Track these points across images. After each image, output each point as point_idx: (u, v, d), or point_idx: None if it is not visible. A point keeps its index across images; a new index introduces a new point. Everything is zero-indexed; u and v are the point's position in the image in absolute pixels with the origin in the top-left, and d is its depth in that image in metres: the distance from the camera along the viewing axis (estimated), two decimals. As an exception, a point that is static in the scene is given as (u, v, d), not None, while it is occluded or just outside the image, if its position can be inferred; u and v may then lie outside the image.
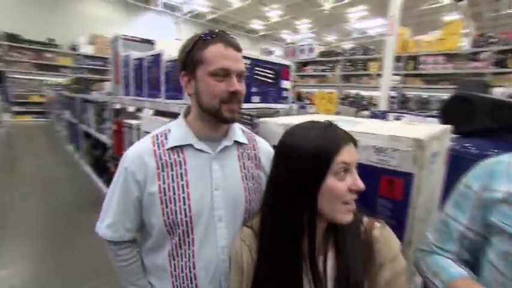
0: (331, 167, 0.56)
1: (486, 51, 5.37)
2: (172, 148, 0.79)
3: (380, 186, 0.86)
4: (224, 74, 0.73)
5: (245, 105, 1.57)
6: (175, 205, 0.76)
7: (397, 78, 6.73)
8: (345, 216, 0.59)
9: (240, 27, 15.08)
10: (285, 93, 1.82)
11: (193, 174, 0.78)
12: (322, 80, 8.66)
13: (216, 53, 0.72)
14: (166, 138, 0.80)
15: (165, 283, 0.82)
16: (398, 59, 6.49)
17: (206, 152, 0.80)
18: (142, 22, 12.15)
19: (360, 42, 9.90)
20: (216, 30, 0.76)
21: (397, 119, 3.42)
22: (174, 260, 0.80)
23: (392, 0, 5.03)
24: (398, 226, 0.84)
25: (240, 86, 0.76)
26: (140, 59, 2.26)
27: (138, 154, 0.78)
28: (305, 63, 9.14)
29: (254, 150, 0.91)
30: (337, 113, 5.26)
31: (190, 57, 0.75)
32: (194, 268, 0.80)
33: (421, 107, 6.26)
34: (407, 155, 0.80)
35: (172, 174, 0.77)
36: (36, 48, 9.78)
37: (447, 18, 8.97)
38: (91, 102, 3.90)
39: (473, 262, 0.64)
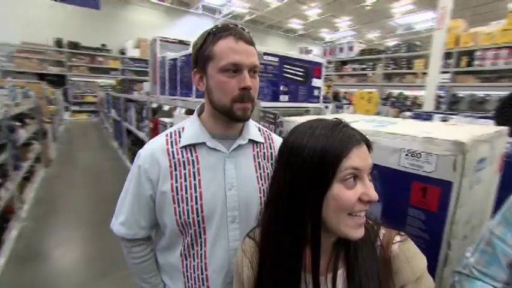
0: (338, 172, 0.48)
1: None
2: (185, 146, 0.77)
3: (412, 194, 0.76)
4: (235, 69, 0.69)
5: (273, 104, 1.53)
6: (187, 205, 0.74)
7: (447, 76, 6.14)
8: (353, 230, 0.50)
9: (278, 27, 15.00)
10: (316, 92, 1.74)
11: (206, 173, 0.76)
12: (363, 79, 8.25)
13: (226, 48, 0.69)
14: (180, 136, 0.79)
15: (178, 283, 0.81)
16: (448, 55, 5.92)
17: (219, 151, 0.78)
18: (184, 25, 12.68)
19: (406, 39, 9.21)
20: (227, 24, 0.73)
21: (444, 120, 3.11)
22: (186, 260, 0.79)
23: (444, -10, 4.58)
24: (432, 242, 0.74)
25: (252, 82, 0.72)
26: (174, 60, 2.34)
27: (151, 152, 0.77)
28: (344, 62, 8.79)
29: (271, 149, 0.87)
30: (377, 114, 4.96)
31: (201, 54, 0.72)
32: (206, 269, 0.78)
33: (475, 107, 5.63)
34: (444, 160, 0.69)
35: (185, 173, 0.75)
36: (91, 53, 10.83)
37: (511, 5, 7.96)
38: (132, 101, 4.16)
39: None
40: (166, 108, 3.01)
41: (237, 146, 0.79)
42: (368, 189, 0.49)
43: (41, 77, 9.27)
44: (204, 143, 0.77)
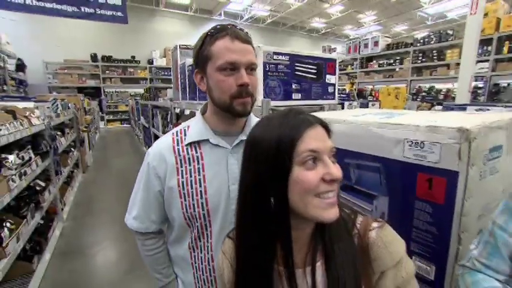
0: (296, 156, 0.48)
1: None
2: (190, 144, 0.81)
3: (417, 186, 0.73)
4: (232, 67, 0.73)
5: (285, 103, 1.54)
6: (193, 199, 0.79)
7: (486, 65, 5.69)
8: (325, 212, 0.49)
9: (300, 28, 14.89)
10: (330, 89, 1.72)
11: (210, 169, 0.80)
12: (390, 75, 7.92)
13: (222, 47, 0.73)
14: (185, 134, 0.83)
15: (188, 274, 0.86)
16: (488, 42, 5.48)
17: (222, 147, 0.81)
18: (207, 32, 13.10)
19: (437, 29, 8.66)
20: (224, 25, 0.77)
21: (479, 111, 2.89)
22: (194, 251, 0.83)
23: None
24: (441, 236, 0.70)
25: (250, 79, 0.74)
26: (193, 65, 2.43)
27: (159, 151, 0.82)
28: (369, 58, 8.50)
29: None
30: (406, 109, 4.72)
31: (201, 55, 0.76)
32: (213, 261, 0.82)
33: (519, 97, 5.16)
34: (449, 148, 0.66)
35: (190, 169, 0.80)
36: (122, 65, 11.55)
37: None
38: (159, 107, 4.36)
39: None
40: (187, 112, 3.13)
41: (239, 141, 0.82)
42: (330, 168, 0.49)
43: (80, 90, 10.10)
44: (207, 140, 0.81)
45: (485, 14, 4.80)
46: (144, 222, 0.87)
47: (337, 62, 1.73)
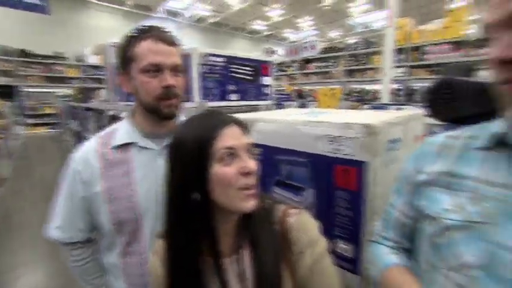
0: (213, 154, 0.52)
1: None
2: (117, 147, 0.79)
3: (336, 176, 0.83)
4: (156, 69, 0.73)
5: (222, 103, 1.56)
6: (121, 204, 0.77)
7: (401, 70, 6.56)
8: (245, 203, 0.54)
9: (242, 29, 15.11)
10: (266, 90, 1.80)
11: (138, 172, 0.79)
12: (326, 77, 8.55)
13: (145, 49, 0.73)
14: (112, 137, 0.81)
15: (120, 281, 0.83)
16: (401, 50, 6.33)
17: (151, 149, 0.81)
18: (146, 30, 12.39)
19: (365, 37, 9.70)
20: (148, 26, 0.77)
21: (398, 109, 3.33)
22: (126, 257, 0.81)
23: (390, -9, 4.91)
24: (356, 218, 0.80)
25: (175, 81, 0.76)
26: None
27: (83, 154, 0.79)
28: (308, 61, 9.05)
29: None
30: (339, 109, 5.16)
31: (124, 56, 0.76)
32: (146, 264, 0.80)
33: (427, 98, 6.05)
34: (358, 142, 0.76)
35: (117, 173, 0.78)
36: (46, 62, 10.14)
37: (453, 6, 8.67)
38: (91, 110, 3.99)
39: (413, 250, 0.60)
40: (124, 115, 2.93)
41: (167, 142, 0.81)
42: (246, 162, 0.54)
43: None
44: (135, 143, 0.80)
45: (399, 28, 5.53)
46: (67, 231, 0.81)
47: (272, 64, 1.83)
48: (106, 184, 0.77)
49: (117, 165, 0.78)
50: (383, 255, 0.61)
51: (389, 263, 0.59)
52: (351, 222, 0.81)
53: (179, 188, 0.56)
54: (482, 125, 0.53)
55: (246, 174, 0.53)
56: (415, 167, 0.58)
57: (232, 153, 0.54)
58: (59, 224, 0.81)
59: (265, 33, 15.59)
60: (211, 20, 12.98)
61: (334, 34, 15.57)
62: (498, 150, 0.47)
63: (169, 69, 0.75)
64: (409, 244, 0.61)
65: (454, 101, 1.47)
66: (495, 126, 0.48)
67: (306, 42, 8.95)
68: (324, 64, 8.58)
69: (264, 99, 1.78)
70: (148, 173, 0.79)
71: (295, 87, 8.03)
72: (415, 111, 1.01)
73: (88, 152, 0.79)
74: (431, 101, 1.62)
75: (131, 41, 0.75)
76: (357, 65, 7.77)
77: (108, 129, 0.85)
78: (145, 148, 0.80)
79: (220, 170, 0.52)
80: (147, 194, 0.78)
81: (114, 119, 3.09)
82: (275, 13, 12.05)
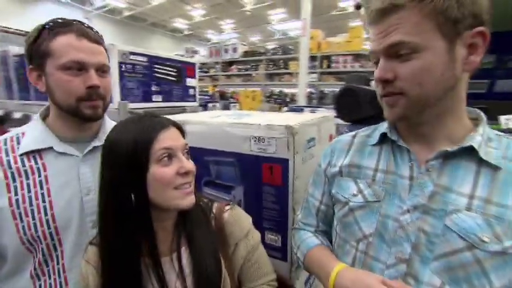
0: (152, 154, 0.54)
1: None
2: (26, 153, 0.69)
3: (263, 173, 0.90)
4: (79, 67, 0.67)
5: (146, 105, 1.48)
6: (33, 218, 0.67)
7: (314, 76, 7.33)
8: (183, 201, 0.57)
9: (162, 26, 14.33)
10: (191, 91, 1.79)
11: (56, 181, 0.70)
12: (248, 79, 8.87)
13: (66, 45, 0.67)
14: (18, 142, 0.71)
15: None
16: (314, 58, 7.06)
17: (71, 155, 0.73)
18: (41, 14, 10.54)
19: (283, 43, 10.46)
20: (68, 20, 0.70)
21: (312, 112, 3.74)
22: (40, 280, 0.70)
23: (304, 5, 5.46)
24: (282, 210, 0.89)
25: (101, 81, 0.71)
26: (22, 56, 1.94)
27: None
28: (230, 63, 9.21)
29: None
30: (261, 110, 5.45)
31: (36, 49, 0.67)
32: (67, 284, 0.72)
33: (336, 101, 6.94)
34: (281, 141, 0.85)
35: (28, 183, 0.68)
36: None
37: (352, 24, 10.14)
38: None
39: (330, 232, 0.71)
40: (18, 115, 2.47)
41: (92, 147, 0.76)
42: (183, 162, 0.57)
43: None
44: (50, 148, 0.71)
45: (312, 38, 6.18)
46: None
47: (197, 65, 1.82)
48: (12, 197, 0.66)
49: (28, 174, 0.68)
50: (306, 239, 0.70)
51: (312, 244, 0.68)
52: (278, 214, 0.89)
53: (115, 190, 0.55)
54: (375, 126, 0.67)
55: (184, 174, 0.56)
56: (327, 162, 0.69)
57: (170, 154, 0.56)
58: None
59: (187, 32, 15.18)
60: (127, 13, 11.92)
61: (254, 38, 16.26)
62: (385, 145, 0.60)
63: (95, 68, 0.69)
64: (326, 227, 0.73)
65: (357, 105, 1.75)
66: (383, 127, 0.61)
67: (228, 45, 9.12)
68: (245, 67, 8.88)
69: (190, 101, 1.76)
70: (69, 181, 0.72)
71: (218, 89, 8.10)
72: (326, 113, 1.17)
73: None
74: (339, 104, 1.89)
75: (44, 33, 0.67)
76: (275, 69, 8.30)
77: (10, 133, 0.73)
78: (64, 154, 0.72)
79: (158, 171, 0.54)
80: (67, 205, 0.70)
81: (4, 119, 2.57)
82: (197, 13, 11.87)
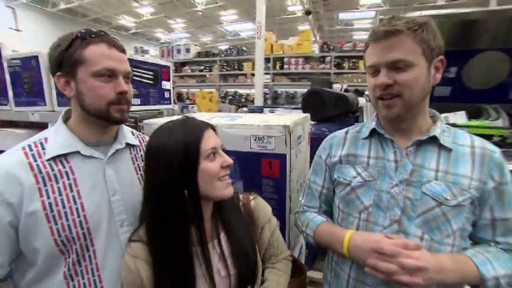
0: (201, 153, 0.64)
1: (329, 56, 6.79)
2: (54, 158, 0.71)
3: (262, 168, 1.01)
4: (110, 74, 0.72)
5: (124, 108, 1.47)
6: (67, 219, 0.69)
7: (268, 76, 7.61)
8: (225, 191, 0.67)
9: (106, 23, 13.30)
10: (167, 94, 1.80)
11: (84, 183, 0.73)
12: (202, 80, 8.80)
13: (99, 53, 0.71)
14: (43, 148, 0.72)
15: None
16: (268, 60, 7.32)
17: (97, 158, 0.76)
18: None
19: (235, 44, 10.55)
20: (96, 30, 0.75)
21: (271, 112, 3.93)
22: (73, 280, 0.72)
23: (258, 8, 5.65)
24: (280, 199, 1.02)
25: (128, 87, 0.76)
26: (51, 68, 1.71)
27: (5, 171, 0.66)
28: (183, 64, 9.02)
29: None
30: (219, 111, 5.52)
31: (68, 57, 0.70)
32: (101, 282, 0.75)
33: (290, 101, 7.32)
34: (279, 139, 0.97)
35: (58, 187, 0.70)
36: None
37: (301, 27, 10.74)
38: None
39: (330, 211, 0.87)
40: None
41: (114, 151, 0.80)
42: (224, 158, 0.68)
43: None
44: (77, 152, 0.74)
45: (265, 40, 6.42)
46: None
47: (171, 68, 1.84)
48: (45, 201, 0.67)
49: (57, 178, 0.70)
50: (313, 218, 0.84)
51: (319, 221, 0.83)
52: (276, 203, 1.02)
53: (167, 189, 0.62)
54: (361, 124, 0.85)
55: (226, 167, 0.67)
56: (327, 154, 0.84)
57: (215, 152, 0.66)
58: None
59: (134, 30, 14.35)
60: (63, 6, 10.80)
61: (206, 39, 16.09)
62: (374, 138, 0.77)
63: (123, 75, 0.74)
64: (327, 207, 0.87)
65: (322, 105, 1.96)
66: (370, 125, 0.78)
67: (180, 45, 8.91)
68: (199, 68, 8.79)
69: (166, 104, 1.78)
70: (98, 183, 0.75)
71: (174, 90, 7.89)
72: (304, 114, 1.32)
73: (13, 167, 0.66)
74: (305, 105, 2.08)
75: (77, 43, 0.70)
76: (229, 70, 8.38)
77: (32, 139, 0.74)
78: (90, 157, 0.75)
79: (207, 166, 0.64)
80: (98, 207, 0.73)
81: None
82: (145, 10, 11.32)
